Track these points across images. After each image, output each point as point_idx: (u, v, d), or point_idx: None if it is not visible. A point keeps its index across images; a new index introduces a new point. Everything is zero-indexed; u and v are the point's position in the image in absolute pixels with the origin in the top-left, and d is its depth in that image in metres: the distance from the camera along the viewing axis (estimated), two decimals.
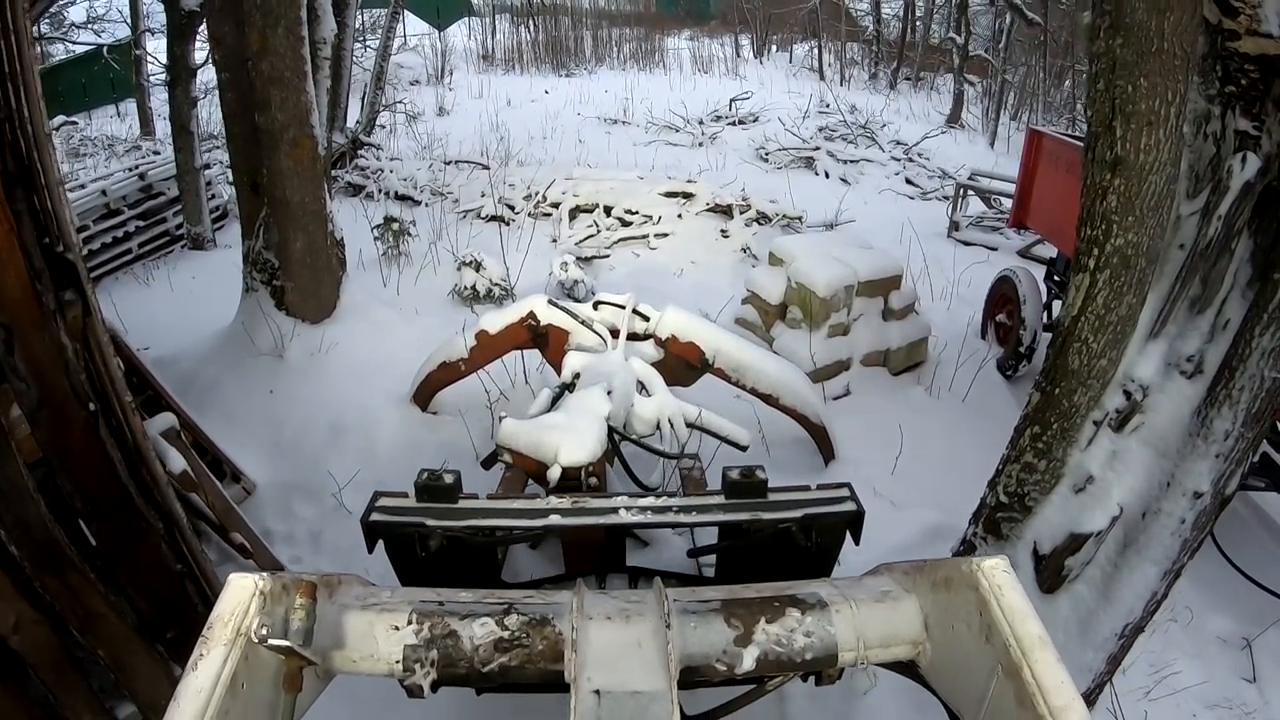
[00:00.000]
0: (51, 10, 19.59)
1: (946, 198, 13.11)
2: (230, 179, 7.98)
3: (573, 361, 4.82)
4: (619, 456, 4.14)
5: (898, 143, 16.66)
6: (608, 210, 10.95)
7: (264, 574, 1.89)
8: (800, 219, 11.10)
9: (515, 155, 14.49)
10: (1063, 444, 3.65)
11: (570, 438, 3.59)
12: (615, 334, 5.24)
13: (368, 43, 20.57)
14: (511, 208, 11.31)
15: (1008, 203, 11.26)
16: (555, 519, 2.87)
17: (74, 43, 22.39)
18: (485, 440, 5.57)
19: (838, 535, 2.92)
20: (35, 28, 17.70)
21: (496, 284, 8.48)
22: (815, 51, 27.56)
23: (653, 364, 5.13)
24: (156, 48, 16.31)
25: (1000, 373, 7.48)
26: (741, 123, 18.16)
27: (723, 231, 10.58)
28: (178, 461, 4.33)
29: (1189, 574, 3.71)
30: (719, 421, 4.82)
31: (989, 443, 4.96)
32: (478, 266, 8.44)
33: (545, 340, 5.43)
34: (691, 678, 2.02)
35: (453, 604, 2.11)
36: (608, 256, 10.10)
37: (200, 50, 9.80)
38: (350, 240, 7.65)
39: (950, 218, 12.05)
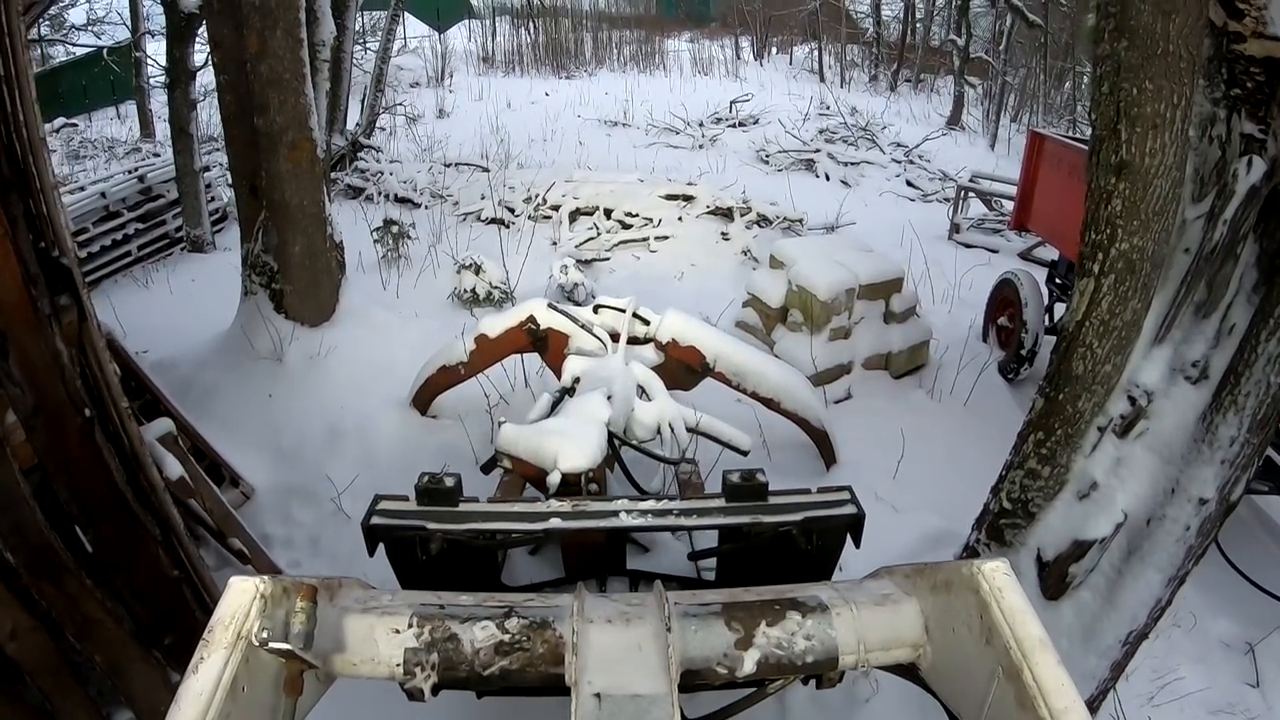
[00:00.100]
0: (51, 12, 19.62)
1: (947, 200, 13.11)
2: (229, 181, 7.96)
3: (573, 366, 4.80)
4: (619, 462, 4.12)
5: (898, 145, 16.65)
6: (608, 213, 10.94)
7: (264, 577, 1.88)
8: (801, 221, 11.08)
9: (515, 158, 14.47)
10: (1067, 450, 3.63)
11: (570, 443, 3.57)
12: (615, 338, 5.22)
13: (367, 45, 20.55)
14: (511, 210, 11.29)
15: (1009, 205, 11.27)
16: (556, 522, 2.86)
17: (74, 45, 22.41)
18: (485, 444, 5.55)
19: (838, 538, 2.92)
20: (35, 30, 17.75)
21: (496, 287, 8.45)
22: (815, 53, 27.55)
23: (653, 368, 5.10)
24: (156, 50, 16.34)
25: (1002, 376, 7.46)
26: (742, 125, 18.15)
27: (723, 234, 10.57)
28: (175, 467, 4.30)
29: (1192, 578, 3.69)
30: (720, 426, 4.80)
31: (991, 447, 4.94)
32: (477, 269, 8.42)
33: (545, 344, 5.41)
34: (692, 681, 2.01)
35: (453, 607, 2.10)
36: (608, 259, 10.08)
37: (200, 52, 9.78)
38: (350, 243, 7.63)
39: (951, 220, 12.03)
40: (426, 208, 11.90)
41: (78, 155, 16.76)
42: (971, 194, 12.46)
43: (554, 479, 3.48)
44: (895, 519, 5.13)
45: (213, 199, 11.22)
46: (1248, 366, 3.32)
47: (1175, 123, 3.08)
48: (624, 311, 5.32)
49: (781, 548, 2.86)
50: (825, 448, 5.74)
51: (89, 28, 22.33)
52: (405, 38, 25.21)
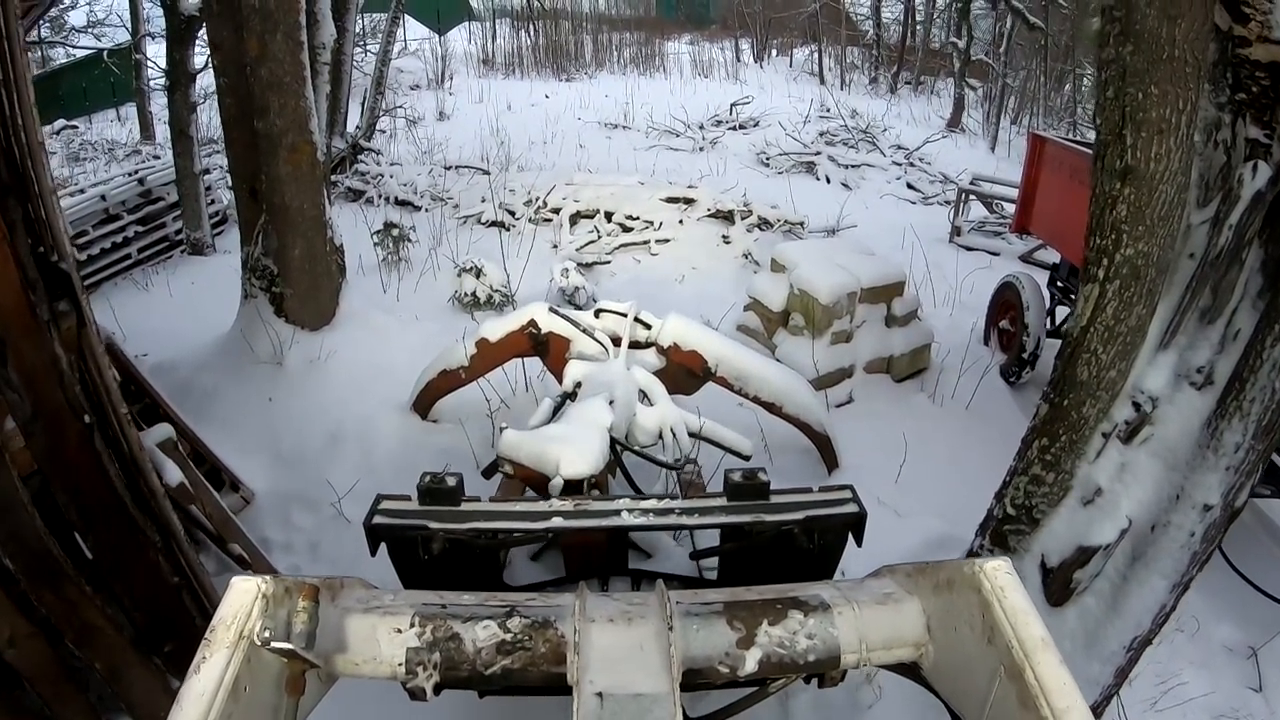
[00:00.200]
0: (52, 14, 19.62)
1: (948, 202, 13.11)
2: (229, 184, 7.95)
3: (574, 370, 4.79)
4: (621, 468, 4.11)
5: (899, 147, 16.66)
6: (608, 216, 10.93)
7: (266, 577, 1.88)
8: (802, 224, 11.07)
9: (515, 160, 14.47)
10: (1071, 456, 3.61)
11: (572, 449, 3.56)
12: (617, 342, 5.21)
13: (368, 47, 20.54)
14: (512, 213, 11.28)
15: (1009, 207, 11.27)
16: (558, 521, 2.87)
17: (74, 47, 22.40)
18: (486, 449, 5.54)
19: (840, 537, 2.92)
20: (35, 31, 17.76)
21: (497, 290, 8.43)
22: (815, 56, 27.56)
23: (654, 372, 5.09)
24: (156, 52, 16.31)
25: (1004, 379, 7.45)
26: (742, 127, 18.17)
27: (724, 237, 10.56)
28: (174, 473, 4.28)
29: (1195, 583, 3.68)
30: (721, 431, 4.79)
31: (994, 451, 4.93)
32: (478, 273, 8.40)
33: (546, 348, 5.40)
34: (694, 680, 2.01)
35: (455, 607, 2.09)
36: (609, 263, 10.06)
37: (200, 55, 9.76)
38: (350, 246, 7.62)
39: (952, 223, 12.02)
40: (427, 210, 11.89)
41: (78, 157, 16.74)
42: (972, 197, 12.45)
43: (556, 485, 3.47)
44: (898, 523, 5.12)
45: (213, 202, 11.21)
46: (1253, 372, 3.30)
47: (1180, 128, 3.06)
48: (625, 316, 5.32)
49: (783, 547, 2.87)
50: (827, 452, 5.73)
51: (89, 30, 22.33)
52: (405, 40, 25.22)
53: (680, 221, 10.77)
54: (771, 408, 5.53)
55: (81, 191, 9.96)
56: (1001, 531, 3.86)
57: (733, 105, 19.19)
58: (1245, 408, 3.33)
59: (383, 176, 12.94)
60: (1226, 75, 3.32)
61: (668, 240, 10.48)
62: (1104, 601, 3.64)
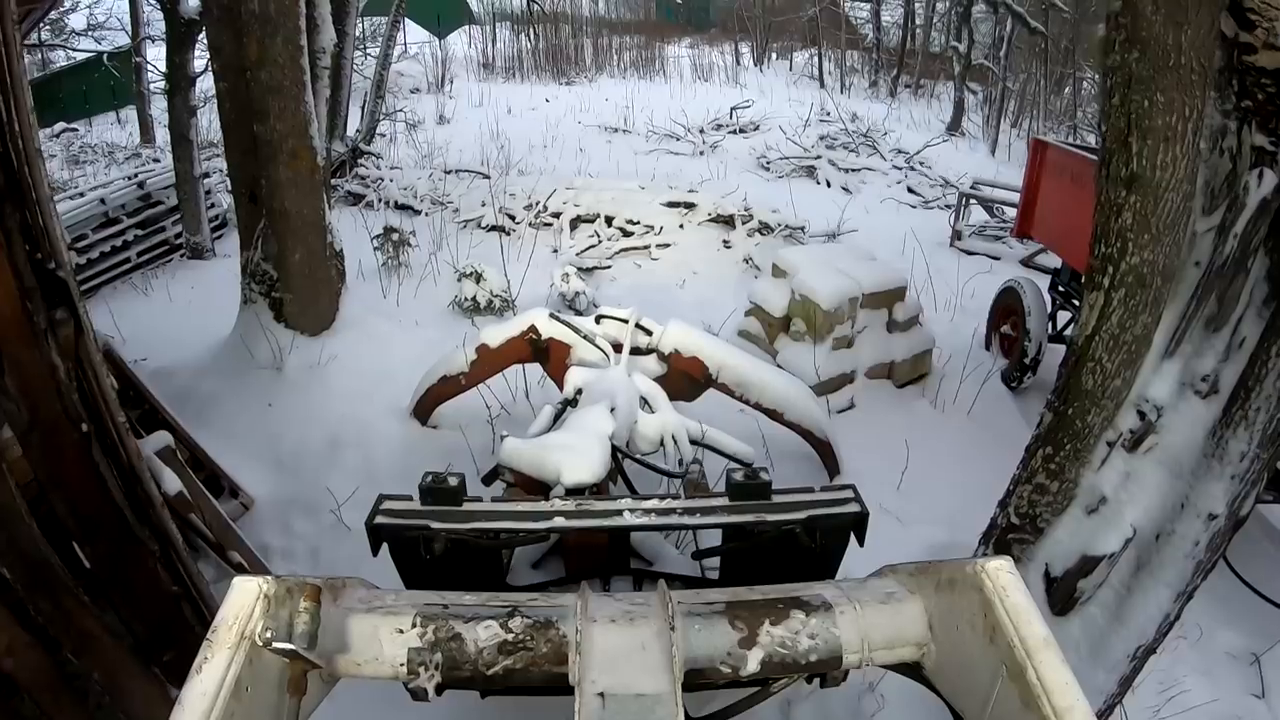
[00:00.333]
0: (52, 16, 19.62)
1: (948, 206, 13.08)
2: (229, 188, 7.94)
3: (575, 377, 4.78)
4: (622, 475, 4.10)
5: (899, 151, 16.64)
6: (609, 220, 10.92)
7: (268, 577, 1.88)
8: (803, 229, 11.06)
9: (516, 164, 14.47)
10: (1075, 465, 3.58)
11: (573, 458, 3.55)
12: (618, 348, 5.19)
13: (368, 50, 20.55)
14: (512, 217, 11.27)
15: (1010, 212, 11.26)
16: (560, 521, 2.87)
17: (75, 49, 22.39)
18: (486, 455, 5.52)
19: (842, 537, 2.92)
20: (36, 34, 17.76)
21: (497, 295, 8.41)
22: (815, 59, 27.58)
23: (655, 379, 5.08)
24: (156, 55, 16.30)
25: (1005, 385, 7.44)
26: (742, 131, 18.17)
27: (725, 242, 10.55)
28: (173, 482, 4.26)
29: (1198, 589, 3.66)
30: (723, 438, 4.77)
31: (996, 457, 4.92)
32: (478, 278, 8.38)
33: (547, 354, 5.38)
34: (696, 680, 2.02)
35: (457, 607, 2.10)
36: (609, 267, 10.05)
37: (200, 59, 9.76)
38: (350, 251, 7.61)
39: (953, 227, 12.01)
40: (427, 215, 11.87)
41: (77, 160, 16.74)
42: (973, 201, 12.44)
43: (557, 494, 3.45)
44: (900, 530, 5.11)
45: (212, 205, 11.20)
46: (1258, 381, 3.28)
47: (1186, 135, 3.04)
48: (626, 322, 5.30)
49: (785, 546, 2.87)
50: (828, 458, 5.71)
51: (89, 33, 22.32)
52: (405, 44, 25.26)
53: (681, 226, 10.76)
54: (773, 414, 5.52)
55: (81, 195, 9.96)
56: (1005, 540, 3.83)
57: (733, 109, 19.20)
58: (1250, 416, 3.31)
59: (383, 180, 12.93)
60: (1232, 82, 3.30)
61: (668, 245, 10.47)
62: (1108, 611, 3.62)
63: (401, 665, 1.98)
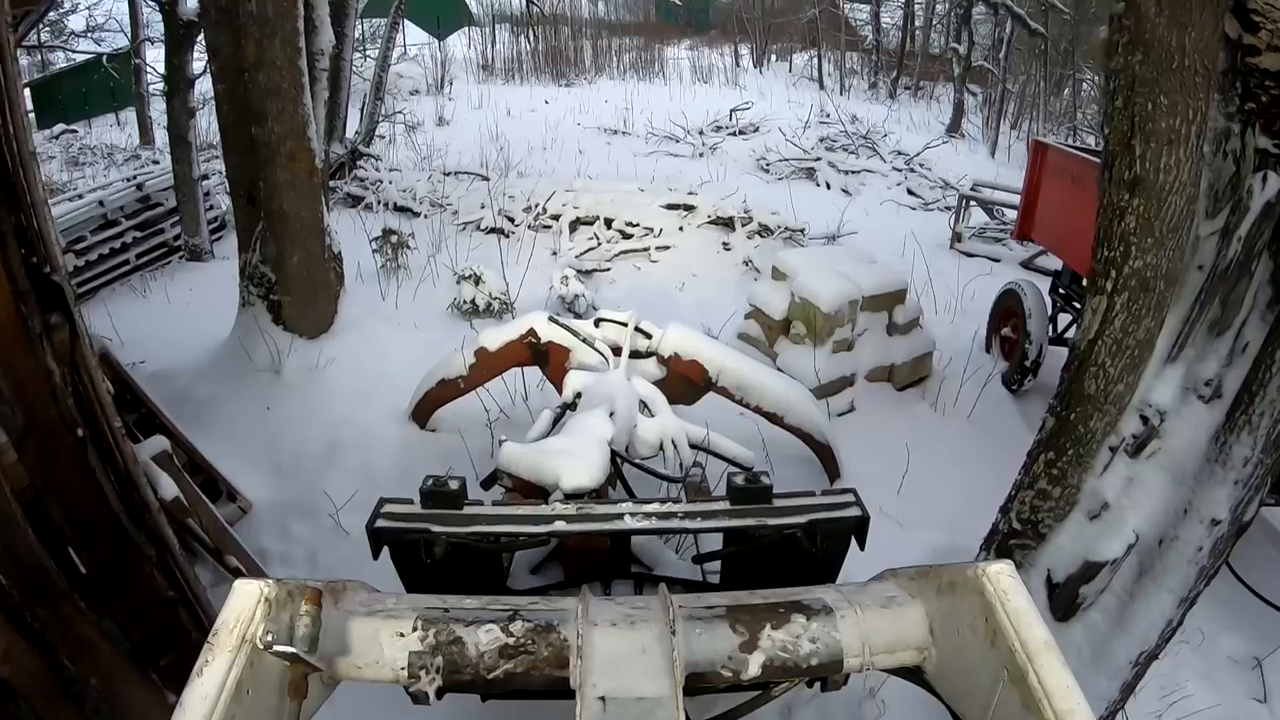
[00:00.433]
0: (51, 18, 19.60)
1: (948, 208, 13.07)
2: (228, 190, 7.92)
3: (574, 381, 4.77)
4: (621, 480, 4.09)
5: (899, 153, 16.66)
6: (608, 223, 10.91)
7: (269, 580, 1.88)
8: (803, 231, 11.05)
9: (515, 166, 14.47)
10: (1078, 470, 3.57)
11: (572, 463, 3.55)
12: (617, 352, 5.18)
13: (367, 52, 20.54)
14: (511, 220, 11.26)
15: (1010, 214, 11.25)
16: (560, 525, 2.88)
17: (74, 51, 22.37)
18: (485, 459, 5.50)
19: (843, 541, 2.94)
20: (35, 36, 17.74)
21: (496, 298, 8.40)
22: (815, 61, 27.59)
23: (655, 382, 5.07)
24: (156, 57, 16.28)
25: (1006, 387, 7.42)
26: (742, 133, 18.18)
27: (724, 244, 10.54)
28: (170, 487, 4.24)
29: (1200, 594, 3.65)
30: (723, 442, 4.77)
31: (997, 460, 4.91)
32: (477, 280, 8.37)
33: (546, 358, 5.37)
34: (697, 684, 2.02)
35: (458, 610, 2.10)
36: (609, 270, 10.03)
37: (199, 61, 9.73)
38: (349, 253, 7.60)
39: (953, 229, 11.99)
40: (426, 217, 11.86)
41: (76, 162, 16.75)
42: (973, 203, 12.42)
43: (556, 499, 3.44)
44: (901, 534, 5.09)
45: (211, 207, 11.19)
46: (1262, 385, 3.26)
47: (1190, 138, 3.02)
48: (626, 325, 5.29)
49: (786, 550, 2.89)
50: (829, 462, 5.69)
51: (89, 34, 22.29)
52: (405, 45, 25.26)
53: (680, 228, 10.75)
54: (773, 418, 5.50)
55: (80, 197, 9.94)
56: (1007, 546, 3.81)
57: (732, 111, 19.22)
58: (1254, 421, 3.29)
59: (381, 182, 12.92)
60: (1236, 84, 3.28)
61: (668, 247, 10.46)
62: (1110, 617, 3.61)
63: (402, 669, 1.97)
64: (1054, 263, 8.71)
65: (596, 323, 5.37)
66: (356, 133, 14.42)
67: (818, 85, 26.03)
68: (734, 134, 18.11)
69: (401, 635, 2.00)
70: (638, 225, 10.78)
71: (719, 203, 11.30)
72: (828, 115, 19.17)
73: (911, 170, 15.68)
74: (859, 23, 29.26)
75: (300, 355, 6.56)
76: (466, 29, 30.70)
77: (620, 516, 2.90)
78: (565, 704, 1.93)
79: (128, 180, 10.63)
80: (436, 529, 2.83)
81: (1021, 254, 11.07)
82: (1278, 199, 3.22)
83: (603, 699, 1.86)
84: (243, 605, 1.82)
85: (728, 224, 10.83)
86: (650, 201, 11.15)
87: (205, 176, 10.94)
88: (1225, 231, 3.36)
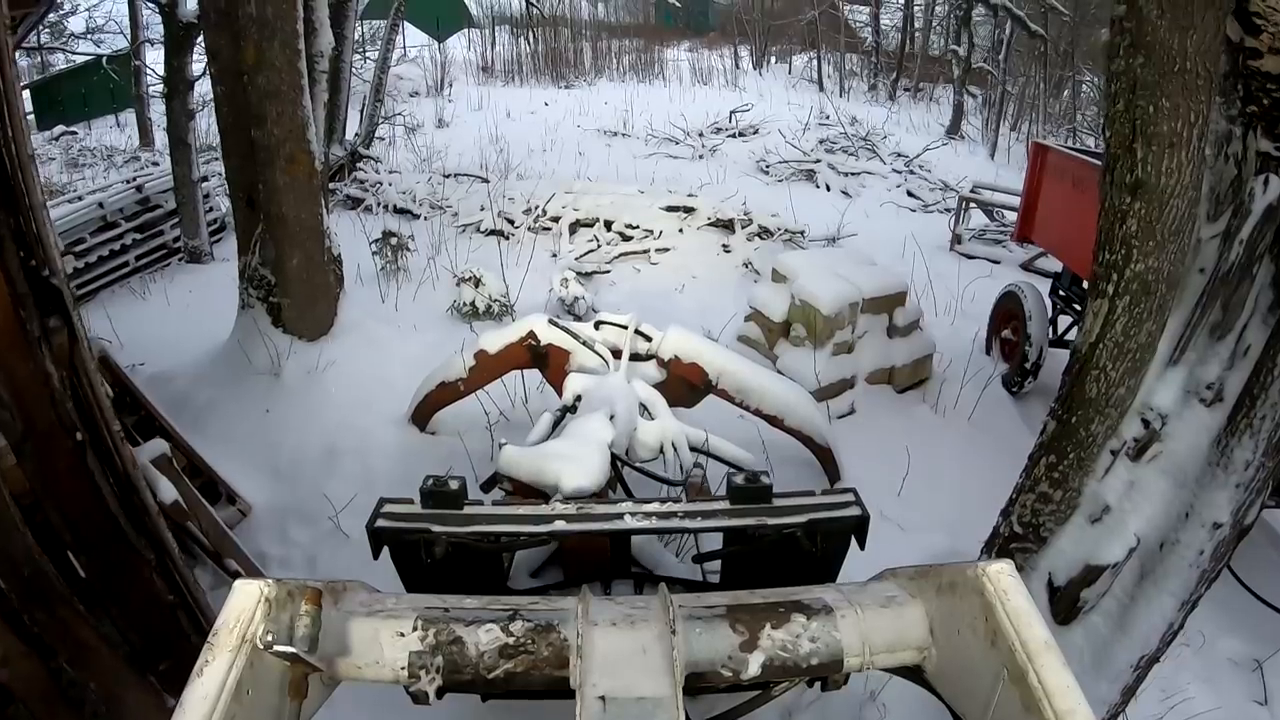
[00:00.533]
0: (51, 19, 19.60)
1: (948, 210, 13.07)
2: (228, 192, 7.91)
3: (574, 384, 4.77)
4: (622, 483, 4.09)
5: (898, 155, 16.66)
6: (608, 225, 10.90)
7: (269, 580, 1.88)
8: (802, 233, 11.05)
9: (515, 168, 14.47)
10: (1079, 474, 3.56)
11: (573, 466, 3.54)
12: (617, 355, 5.17)
13: (367, 54, 20.54)
14: (511, 222, 11.25)
15: (1010, 215, 11.24)
16: (561, 525, 2.87)
17: (74, 53, 22.37)
18: (484, 461, 5.49)
19: (843, 540, 2.93)
20: (35, 37, 17.75)
21: (496, 300, 8.39)
22: (814, 63, 27.60)
23: (655, 385, 5.06)
24: (155, 59, 16.27)
25: (1006, 389, 7.42)
26: (741, 135, 18.18)
27: (724, 246, 10.53)
28: (169, 491, 4.23)
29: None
30: (723, 445, 4.77)
31: (997, 462, 4.91)
32: (477, 283, 8.36)
33: (546, 361, 5.37)
34: (697, 684, 2.02)
35: (458, 610, 2.09)
36: (608, 272, 10.02)
37: (198, 62, 9.73)
38: (348, 255, 7.59)
39: (953, 231, 11.99)
40: (425, 219, 11.85)
41: (76, 163, 16.76)
42: (973, 204, 12.42)
43: (556, 502, 3.43)
44: (901, 538, 5.08)
45: (211, 209, 11.17)
46: (1263, 389, 3.26)
47: (1192, 141, 3.01)
48: (626, 328, 5.28)
49: (786, 550, 2.88)
50: (829, 464, 5.68)
51: (88, 36, 22.27)
52: (404, 47, 25.26)
53: (680, 230, 10.75)
54: (773, 420, 5.49)
55: (79, 198, 9.92)
56: (1008, 549, 3.81)
57: (732, 113, 19.23)
58: (1256, 425, 3.29)
59: (381, 184, 12.92)
60: (1237, 87, 3.28)
61: (668, 249, 10.45)
62: (1111, 620, 3.60)
63: (402, 668, 1.97)
64: (1054, 265, 8.70)
65: (596, 325, 5.37)
66: (356, 135, 14.41)
67: (817, 87, 26.05)
68: (734, 136, 18.11)
69: (401, 635, 2.00)
70: (637, 227, 10.77)
71: (719, 205, 11.30)
72: (827, 117, 19.18)
73: (911, 172, 15.68)
74: (858, 24, 29.26)
75: (300, 358, 6.55)
76: (466, 31, 30.76)
77: (620, 516, 2.90)
78: (565, 704, 1.93)
79: (127, 182, 10.61)
80: (437, 529, 2.82)
81: (1021, 256, 11.06)
82: (1279, 202, 3.21)
83: (603, 699, 1.86)
84: (243, 605, 1.82)
85: (727, 226, 10.82)
86: (650, 203, 11.14)
87: (205, 178, 10.93)
88: (1227, 235, 3.36)
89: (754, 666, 2.01)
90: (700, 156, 16.48)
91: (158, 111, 16.53)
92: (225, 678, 1.69)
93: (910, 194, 14.65)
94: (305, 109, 6.27)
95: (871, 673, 2.13)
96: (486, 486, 4.02)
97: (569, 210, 11.15)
